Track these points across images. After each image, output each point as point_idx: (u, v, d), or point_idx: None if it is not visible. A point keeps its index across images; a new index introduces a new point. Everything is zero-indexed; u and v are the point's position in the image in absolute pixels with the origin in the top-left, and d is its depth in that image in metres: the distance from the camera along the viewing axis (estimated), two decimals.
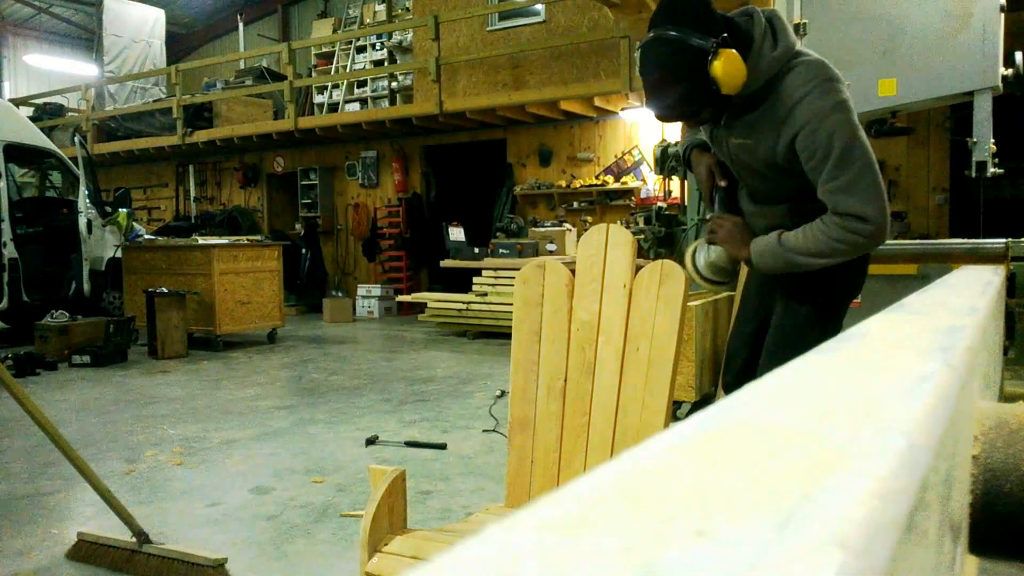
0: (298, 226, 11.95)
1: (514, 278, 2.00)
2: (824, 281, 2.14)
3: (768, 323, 2.29)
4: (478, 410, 4.87)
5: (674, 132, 8.18)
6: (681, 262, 1.97)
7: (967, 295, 0.79)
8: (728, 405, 0.34)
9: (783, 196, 2.10)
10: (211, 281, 7.49)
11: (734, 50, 1.85)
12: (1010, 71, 3.46)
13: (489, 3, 10.32)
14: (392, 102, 12.33)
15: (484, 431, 4.34)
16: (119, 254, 8.57)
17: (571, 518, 0.22)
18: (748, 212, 2.21)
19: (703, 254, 2.28)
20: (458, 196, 11.40)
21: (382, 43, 12.91)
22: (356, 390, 5.62)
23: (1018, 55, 3.44)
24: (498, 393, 5.21)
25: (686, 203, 6.24)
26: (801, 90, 1.93)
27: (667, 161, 6.28)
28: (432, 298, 8.82)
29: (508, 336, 2.05)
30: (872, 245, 1.95)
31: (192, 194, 13.48)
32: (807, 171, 1.93)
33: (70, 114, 14.51)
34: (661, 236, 6.55)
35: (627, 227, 7.07)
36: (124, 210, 9.01)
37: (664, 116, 2.03)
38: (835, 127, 1.90)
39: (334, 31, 14.00)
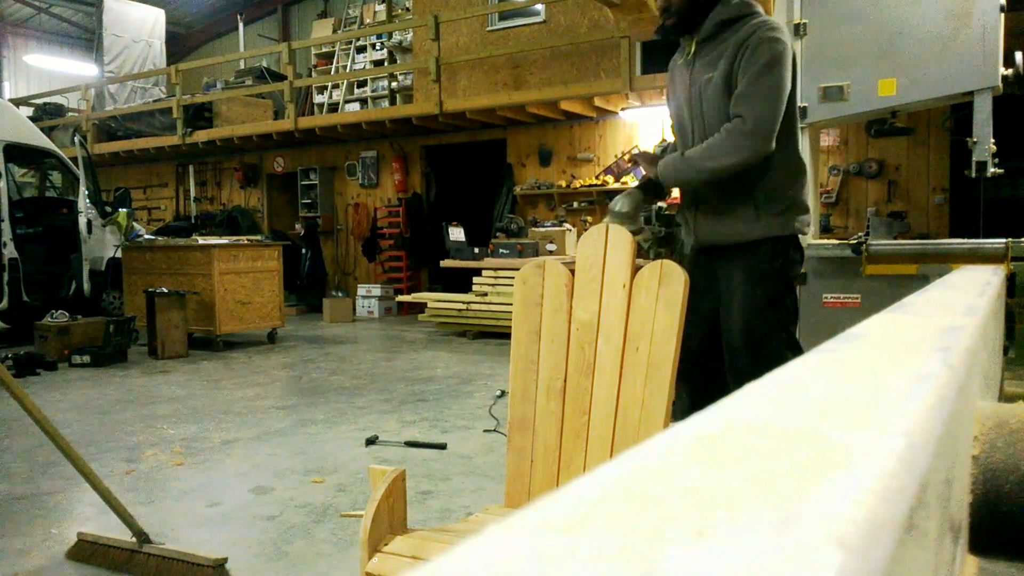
0: (298, 226, 11.95)
1: (514, 278, 2.00)
2: (772, 263, 2.39)
3: (713, 316, 2.46)
4: (478, 410, 4.87)
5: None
6: (682, 263, 1.98)
7: (967, 295, 0.79)
8: (728, 405, 0.34)
9: None
10: (211, 281, 7.49)
11: None
12: (1010, 71, 3.47)
13: (489, 3, 10.32)
14: (392, 102, 12.33)
15: (484, 431, 4.34)
16: (119, 254, 8.57)
17: (571, 518, 0.22)
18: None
19: (618, 203, 2.58)
20: (458, 196, 11.40)
21: (382, 43, 12.91)
22: (356, 390, 5.62)
23: (1018, 55, 3.44)
24: (498, 393, 5.21)
25: None
26: (756, 28, 2.28)
27: None
28: (432, 298, 8.82)
29: (508, 336, 2.04)
30: (749, 146, 2.23)
31: (192, 194, 13.48)
32: (738, 83, 2.25)
33: (70, 114, 14.51)
34: (661, 236, 6.54)
35: None
36: (124, 210, 9.01)
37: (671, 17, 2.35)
38: (768, 55, 2.23)
39: (334, 31, 14.00)
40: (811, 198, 4.14)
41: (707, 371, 2.49)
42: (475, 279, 8.35)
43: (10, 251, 7.95)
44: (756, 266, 2.39)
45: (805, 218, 2.45)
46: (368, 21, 13.55)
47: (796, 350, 2.45)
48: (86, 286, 8.58)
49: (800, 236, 2.45)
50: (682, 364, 2.42)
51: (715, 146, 2.26)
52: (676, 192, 7.46)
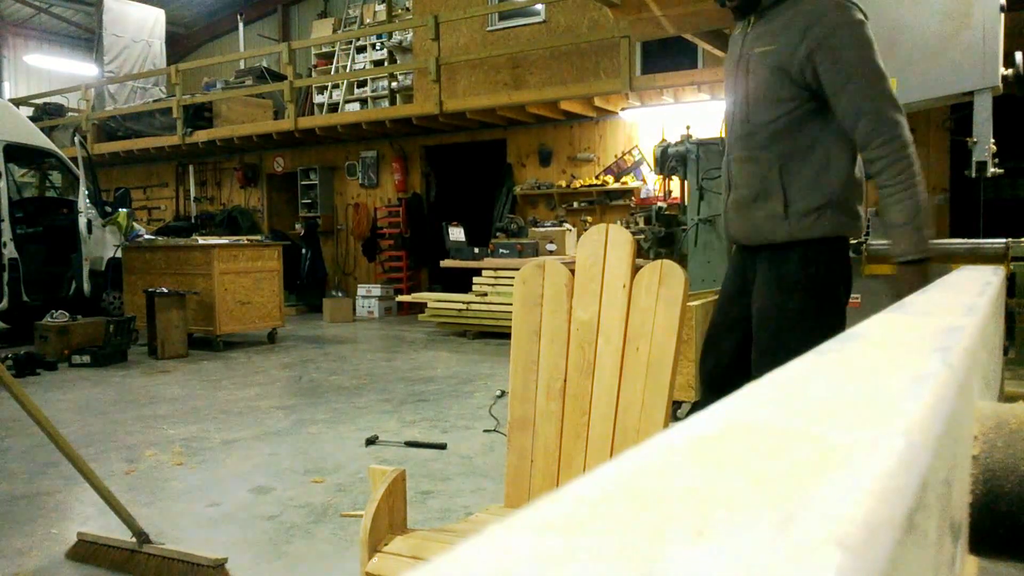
0: (298, 226, 11.95)
1: (514, 278, 2.00)
2: (806, 270, 2.14)
3: (747, 321, 2.25)
4: (478, 410, 4.87)
5: (674, 133, 8.17)
6: (682, 263, 1.98)
7: (967, 295, 0.79)
8: (728, 405, 0.34)
9: (773, 134, 2.12)
10: (211, 281, 7.49)
11: None
12: (1010, 71, 3.46)
13: (489, 3, 10.32)
14: (392, 102, 12.33)
15: (484, 431, 4.34)
16: (119, 254, 8.57)
17: (571, 518, 0.22)
18: (739, 159, 2.22)
19: None
20: (458, 196, 11.40)
21: (382, 43, 12.91)
22: (356, 390, 5.62)
23: (1018, 55, 3.44)
24: (498, 393, 5.21)
25: (686, 203, 6.24)
26: (824, 6, 2.05)
27: (667, 161, 6.29)
28: (432, 298, 8.83)
29: (508, 336, 2.04)
30: (906, 142, 2.01)
31: (192, 194, 13.48)
32: (824, 80, 2.01)
33: (70, 114, 14.51)
34: (661, 236, 6.55)
35: (627, 227, 7.07)
36: (124, 210, 9.01)
37: None
38: (857, 40, 2.01)
39: (334, 31, 14.00)
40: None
41: (740, 383, 2.33)
42: (475, 279, 8.35)
43: (10, 251, 7.95)
44: (786, 274, 2.15)
45: (850, 221, 2.18)
46: (368, 21, 13.55)
47: None
48: (86, 286, 8.58)
49: (847, 241, 2.21)
50: (713, 375, 2.35)
51: (899, 174, 2.00)
52: (676, 192, 7.41)
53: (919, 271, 2.01)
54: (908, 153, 2.00)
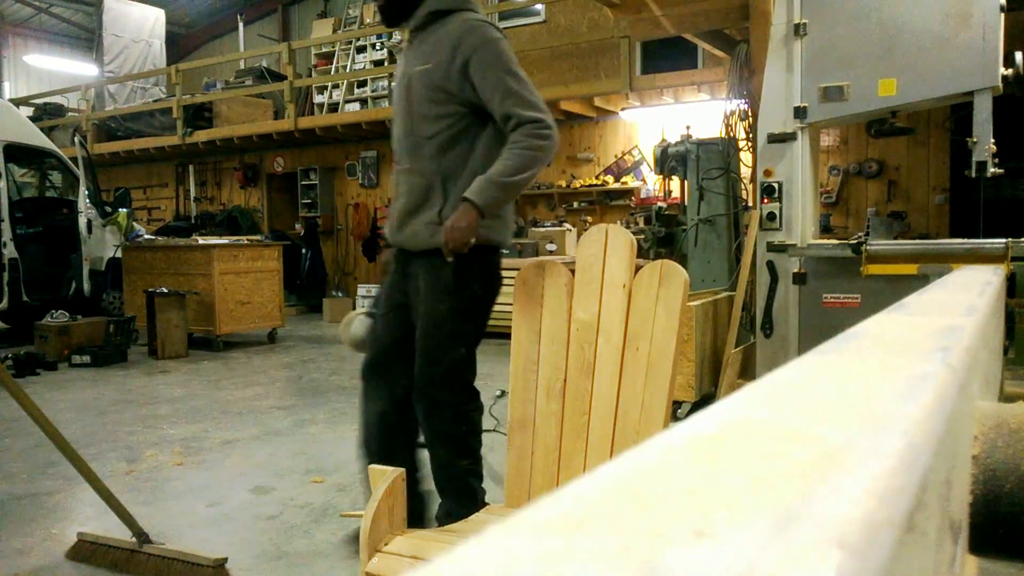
0: (298, 226, 11.95)
1: (514, 278, 2.00)
2: (461, 276, 2.34)
3: (405, 313, 2.44)
4: None
5: (674, 133, 8.17)
6: (682, 263, 1.98)
7: (967, 295, 0.79)
8: (728, 405, 0.34)
9: (436, 148, 2.31)
10: (211, 281, 7.48)
11: None
12: (1010, 71, 3.46)
13: (489, 3, 10.32)
14: (392, 102, 12.32)
15: (484, 431, 4.33)
16: (119, 254, 8.57)
17: (571, 518, 0.22)
18: (403, 171, 2.40)
19: (355, 328, 2.64)
20: None
21: (382, 43, 12.90)
22: (356, 390, 5.60)
23: (1018, 55, 3.44)
24: (498, 393, 5.21)
25: (686, 203, 6.24)
26: (471, 24, 2.29)
27: (667, 161, 6.28)
28: None
29: (508, 336, 2.04)
30: (554, 146, 2.26)
31: (192, 194, 13.47)
32: (479, 89, 2.24)
33: (70, 114, 14.51)
34: (661, 236, 6.55)
35: (627, 227, 7.06)
36: (124, 210, 9.01)
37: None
38: (503, 52, 2.26)
39: (334, 31, 13.99)
40: (811, 203, 4.15)
41: (404, 374, 2.45)
42: None
43: (10, 251, 7.95)
44: (444, 279, 2.34)
45: (502, 229, 2.38)
46: (368, 21, 13.53)
47: (471, 368, 2.50)
48: (86, 286, 8.57)
49: (498, 249, 2.40)
50: (374, 363, 2.53)
51: (526, 158, 2.21)
52: (676, 192, 7.39)
53: (468, 215, 2.19)
54: (540, 145, 2.22)
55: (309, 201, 12.08)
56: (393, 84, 2.54)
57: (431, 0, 2.33)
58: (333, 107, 13.20)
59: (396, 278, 2.49)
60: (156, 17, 15.47)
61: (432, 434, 2.46)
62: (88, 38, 17.18)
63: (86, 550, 2.64)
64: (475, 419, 2.54)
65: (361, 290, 10.94)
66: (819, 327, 3.85)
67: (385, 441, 2.53)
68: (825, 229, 7.84)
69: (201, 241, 8.38)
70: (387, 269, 2.59)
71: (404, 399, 2.46)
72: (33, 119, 11.44)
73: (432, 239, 2.32)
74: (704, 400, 4.55)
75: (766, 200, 4.03)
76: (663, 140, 7.15)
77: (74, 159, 8.75)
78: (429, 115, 2.30)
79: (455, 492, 2.53)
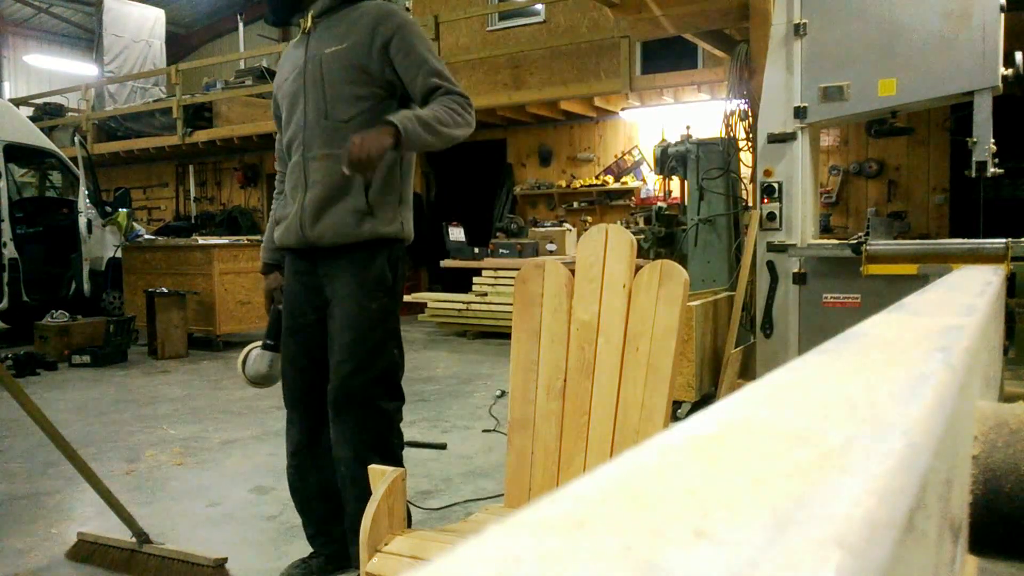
0: None
1: (514, 278, 2.00)
2: (392, 270, 2.30)
3: (317, 331, 2.32)
4: (478, 410, 4.87)
5: (674, 133, 8.17)
6: (682, 263, 1.98)
7: (967, 295, 0.79)
8: (728, 405, 0.34)
9: (353, 131, 2.14)
10: (211, 281, 7.48)
11: None
12: (1010, 71, 3.46)
13: (489, 3, 10.32)
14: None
15: (484, 431, 4.34)
16: (119, 254, 8.57)
17: (571, 518, 0.22)
18: (320, 156, 2.23)
19: (252, 363, 2.54)
20: (458, 196, 11.39)
21: None
22: None
23: (1018, 55, 3.44)
24: (498, 393, 5.21)
25: (686, 203, 6.24)
26: (388, 8, 2.29)
27: (667, 161, 6.28)
28: (432, 298, 8.82)
29: (508, 336, 2.04)
30: (470, 128, 2.22)
31: (192, 194, 13.48)
32: (400, 68, 2.21)
33: (70, 114, 14.51)
34: (661, 236, 6.54)
35: (627, 227, 7.06)
36: (124, 210, 9.01)
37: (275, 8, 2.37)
38: (422, 34, 2.29)
39: None
40: (811, 203, 4.15)
41: (322, 392, 2.35)
42: (475, 279, 8.35)
43: (10, 251, 7.95)
44: (372, 274, 2.24)
45: (410, 219, 2.38)
46: None
47: (402, 369, 2.39)
48: (86, 286, 8.57)
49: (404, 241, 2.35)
50: (297, 391, 2.45)
51: (455, 118, 2.15)
52: (676, 192, 7.38)
53: (384, 135, 2.04)
54: (465, 117, 2.18)
55: None
56: (279, 82, 2.37)
57: None
58: None
59: (301, 292, 2.34)
60: (156, 17, 15.47)
61: (364, 444, 2.27)
62: (88, 38, 17.18)
63: (86, 550, 2.64)
64: (399, 426, 2.43)
65: None
66: (819, 327, 3.85)
67: (302, 475, 2.48)
68: (825, 229, 7.85)
69: (201, 241, 8.38)
70: (275, 295, 2.46)
71: (322, 427, 2.40)
72: (33, 119, 11.44)
73: (359, 229, 2.21)
74: (704, 400, 4.55)
75: (766, 200, 4.03)
76: (663, 140, 7.15)
77: (74, 159, 8.75)
78: (347, 96, 2.21)
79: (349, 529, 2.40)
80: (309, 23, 2.30)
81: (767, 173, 4.03)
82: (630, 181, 9.55)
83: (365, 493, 1.93)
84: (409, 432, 4.30)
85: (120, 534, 2.61)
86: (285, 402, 2.50)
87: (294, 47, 2.37)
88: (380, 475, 1.70)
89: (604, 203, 9.77)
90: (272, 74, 13.01)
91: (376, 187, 2.23)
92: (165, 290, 7.21)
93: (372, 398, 2.28)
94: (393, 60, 2.21)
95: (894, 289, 2.12)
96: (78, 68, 16.99)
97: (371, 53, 2.20)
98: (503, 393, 5.14)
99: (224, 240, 8.74)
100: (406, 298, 9.59)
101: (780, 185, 4.00)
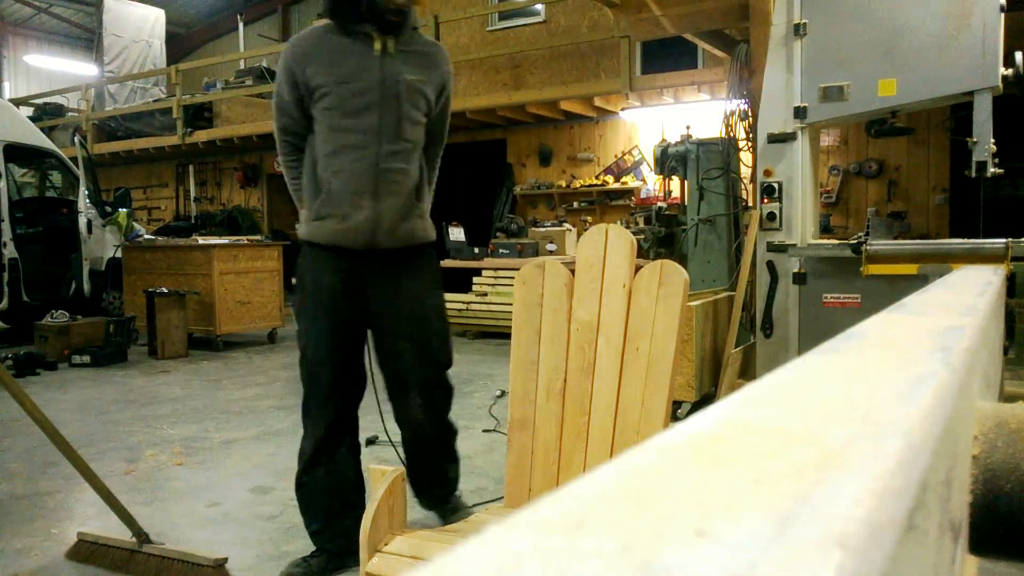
0: (298, 226, 11.93)
1: (514, 278, 2.00)
2: (439, 267, 2.70)
3: (355, 328, 2.54)
4: (478, 410, 4.87)
5: (674, 133, 8.18)
6: (682, 263, 1.99)
7: (967, 295, 0.79)
8: (728, 405, 0.34)
9: (415, 150, 2.53)
10: (211, 281, 7.48)
11: None
12: (1010, 71, 3.46)
13: (489, 3, 10.32)
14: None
15: (484, 431, 4.34)
16: (119, 254, 8.57)
17: (571, 518, 0.22)
18: (395, 171, 2.46)
19: None
20: (458, 196, 11.38)
21: None
22: None
23: (1018, 55, 3.44)
24: (498, 393, 5.21)
25: (686, 203, 6.24)
26: (445, 53, 2.65)
27: (667, 161, 6.28)
28: None
29: (508, 336, 2.04)
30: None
31: (192, 194, 13.48)
32: (437, 115, 2.58)
33: (70, 114, 14.51)
34: (661, 236, 6.55)
35: (627, 227, 7.07)
36: (124, 210, 9.01)
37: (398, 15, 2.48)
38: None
39: None
40: (811, 203, 4.15)
41: (351, 387, 2.61)
42: (475, 279, 8.35)
43: (10, 251, 7.95)
44: (431, 271, 2.63)
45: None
46: None
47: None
48: (86, 286, 8.57)
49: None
50: (329, 386, 2.57)
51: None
52: (676, 192, 7.38)
53: None
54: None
55: None
56: (355, 76, 2.44)
57: (409, 15, 2.50)
58: None
59: (342, 289, 2.49)
60: (156, 17, 15.48)
61: (444, 415, 2.71)
62: (88, 38, 17.18)
63: (86, 550, 2.64)
64: None
65: None
66: (819, 327, 3.85)
67: (322, 469, 2.61)
68: (825, 229, 7.85)
69: (201, 241, 8.38)
70: (333, 289, 2.50)
71: (344, 421, 2.64)
72: (33, 119, 11.44)
73: (425, 234, 2.58)
74: (704, 400, 4.55)
75: (766, 200, 4.03)
76: (663, 140, 7.15)
77: (74, 159, 8.75)
78: (414, 119, 2.48)
79: (455, 479, 2.87)
80: (392, 44, 2.46)
81: (767, 173, 4.03)
82: (630, 181, 9.55)
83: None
84: None
85: (120, 534, 2.61)
86: (312, 397, 2.58)
87: (354, 51, 2.44)
88: (380, 475, 1.70)
89: (604, 203, 9.77)
90: (272, 74, 13.01)
91: (423, 196, 2.59)
92: (165, 290, 7.21)
93: (445, 378, 2.67)
94: (441, 105, 2.59)
95: (894, 289, 2.12)
96: (78, 68, 16.99)
97: (434, 90, 2.54)
98: (503, 393, 5.14)
99: (224, 240, 8.74)
100: None
101: (780, 185, 4.00)
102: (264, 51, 13.44)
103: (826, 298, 3.90)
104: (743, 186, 5.87)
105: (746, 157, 5.80)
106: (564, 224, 9.09)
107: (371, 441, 4.09)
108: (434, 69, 2.53)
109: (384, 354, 2.61)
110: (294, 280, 2.61)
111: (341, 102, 2.42)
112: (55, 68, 17.20)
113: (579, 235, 5.23)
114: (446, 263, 8.68)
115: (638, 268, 1.82)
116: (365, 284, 2.49)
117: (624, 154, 9.76)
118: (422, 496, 2.83)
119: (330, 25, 2.49)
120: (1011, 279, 3.20)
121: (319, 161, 2.45)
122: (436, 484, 2.81)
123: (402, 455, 2.82)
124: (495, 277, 8.18)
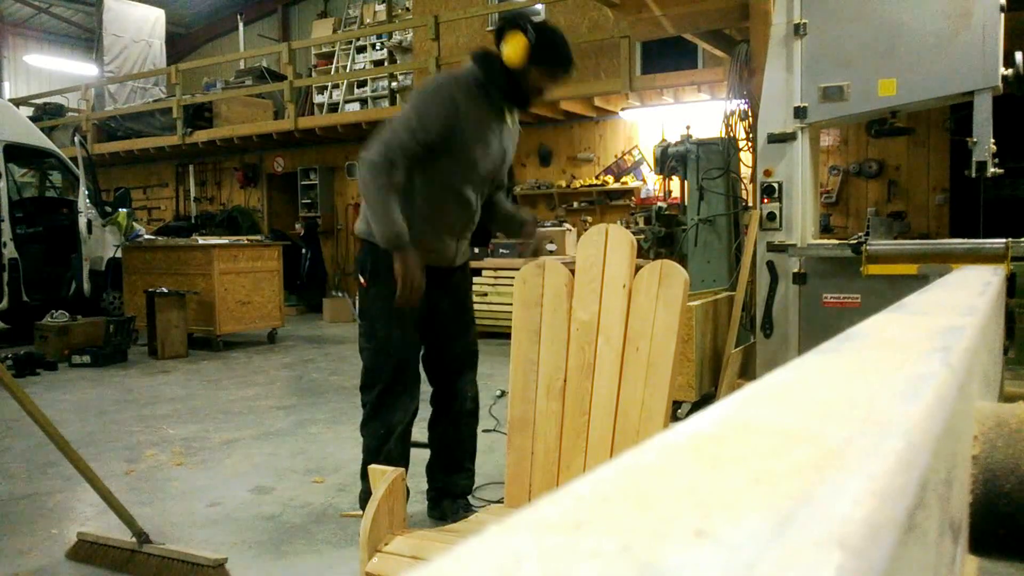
0: (298, 226, 11.94)
1: (514, 278, 2.00)
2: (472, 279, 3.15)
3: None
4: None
5: (674, 133, 8.17)
6: (682, 263, 1.99)
7: (967, 295, 0.79)
8: (728, 405, 0.34)
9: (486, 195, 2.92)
10: (211, 281, 7.48)
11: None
12: (1010, 71, 3.46)
13: (489, 3, 10.32)
14: (392, 102, 12.32)
15: (484, 431, 4.34)
16: (119, 254, 8.57)
17: (571, 518, 0.22)
18: (470, 207, 2.81)
19: None
20: None
21: (382, 43, 12.90)
22: (356, 390, 5.61)
23: (1018, 55, 3.44)
24: (498, 393, 5.21)
25: (686, 203, 6.24)
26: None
27: (667, 161, 6.28)
28: None
29: (508, 336, 2.04)
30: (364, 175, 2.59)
31: (192, 194, 13.47)
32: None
33: (70, 114, 14.50)
34: (661, 236, 6.55)
35: (627, 227, 7.06)
36: (124, 210, 9.00)
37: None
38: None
39: (334, 31, 13.99)
40: (811, 203, 4.15)
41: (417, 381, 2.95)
42: (475, 279, 8.35)
43: (10, 251, 7.95)
44: (470, 282, 3.15)
45: None
46: (368, 21, 13.54)
47: None
48: (86, 286, 8.57)
49: None
50: (412, 369, 2.85)
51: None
52: (676, 192, 7.37)
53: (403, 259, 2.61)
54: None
55: (309, 201, 12.08)
56: (479, 133, 2.71)
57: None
58: (333, 107, 13.20)
59: (424, 294, 2.73)
60: (156, 17, 15.47)
61: (475, 406, 3.07)
62: (88, 38, 17.17)
63: (86, 550, 2.64)
64: None
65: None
66: (819, 327, 3.85)
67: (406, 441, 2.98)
68: (825, 229, 7.84)
69: (201, 241, 8.38)
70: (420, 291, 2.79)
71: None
72: (33, 119, 11.43)
73: (470, 254, 3.07)
74: (704, 400, 4.55)
75: (766, 200, 4.03)
76: (663, 140, 7.15)
77: (74, 159, 8.75)
78: (500, 176, 2.89)
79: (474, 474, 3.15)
80: (511, 111, 2.78)
81: (767, 173, 4.03)
82: (630, 181, 9.54)
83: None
84: None
85: (120, 534, 2.61)
86: (397, 379, 2.82)
87: (489, 116, 2.70)
88: (380, 475, 1.70)
89: (604, 203, 9.77)
90: (272, 74, 13.01)
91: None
92: (165, 290, 7.21)
93: (475, 372, 3.09)
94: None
95: (894, 289, 2.12)
96: (78, 68, 16.98)
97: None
98: (503, 393, 5.14)
99: (224, 240, 8.74)
100: None
101: (780, 185, 3.99)
102: (264, 51, 13.43)
103: (826, 298, 3.90)
104: (743, 186, 5.87)
105: (746, 157, 5.80)
106: (564, 224, 9.08)
107: None
108: (517, 130, 2.89)
109: (450, 339, 2.94)
110: (362, 276, 2.86)
111: (470, 169, 2.70)
112: (55, 68, 17.20)
113: (579, 235, 5.22)
114: None
115: (638, 268, 1.82)
116: (431, 288, 2.76)
117: (624, 154, 9.76)
118: (449, 485, 3.02)
119: (476, 78, 2.64)
120: (1011, 279, 3.20)
121: (422, 199, 2.69)
122: (467, 465, 3.07)
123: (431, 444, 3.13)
124: (495, 277, 8.18)
